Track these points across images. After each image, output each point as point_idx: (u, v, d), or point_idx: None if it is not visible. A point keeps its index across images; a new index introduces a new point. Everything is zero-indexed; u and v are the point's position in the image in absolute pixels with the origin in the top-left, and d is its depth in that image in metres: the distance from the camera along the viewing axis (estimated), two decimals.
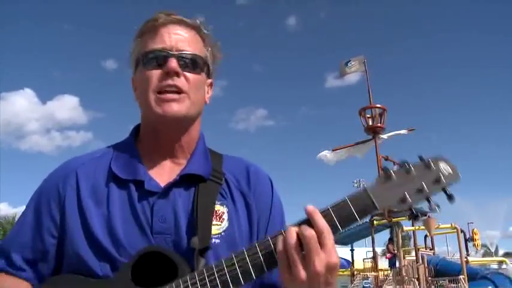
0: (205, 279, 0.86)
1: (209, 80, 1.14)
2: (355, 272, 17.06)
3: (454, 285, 14.46)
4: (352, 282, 15.58)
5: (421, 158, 0.92)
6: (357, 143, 16.10)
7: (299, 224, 0.86)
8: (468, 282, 14.91)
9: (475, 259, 22.37)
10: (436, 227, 14.95)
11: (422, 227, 14.72)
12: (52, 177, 1.06)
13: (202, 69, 1.08)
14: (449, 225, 17.29)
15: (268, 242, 0.87)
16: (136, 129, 1.14)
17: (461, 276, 14.53)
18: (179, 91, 1.02)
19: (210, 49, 1.13)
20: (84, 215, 0.97)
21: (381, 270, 16.29)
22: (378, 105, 15.61)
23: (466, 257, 17.74)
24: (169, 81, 1.01)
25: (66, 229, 0.98)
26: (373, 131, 15.23)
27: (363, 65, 16.43)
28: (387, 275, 15.30)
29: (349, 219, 0.87)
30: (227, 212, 1.01)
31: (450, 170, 0.90)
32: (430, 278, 14.69)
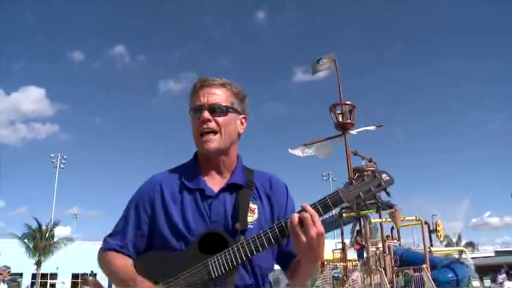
0: (244, 246, 1.38)
1: (241, 115, 1.62)
2: (325, 262, 17.62)
3: (418, 274, 15.31)
4: (322, 272, 16.10)
5: (372, 172, 1.45)
6: (327, 139, 16.44)
7: (299, 212, 1.35)
8: (431, 270, 15.77)
9: (438, 249, 23.49)
10: (401, 219, 15.61)
11: (389, 220, 15.35)
12: (143, 189, 1.60)
13: (228, 111, 1.57)
14: (414, 218, 18.13)
15: (281, 223, 1.38)
16: (196, 154, 1.65)
17: (424, 265, 15.37)
18: (212, 131, 1.53)
19: (236, 95, 1.60)
20: (167, 210, 1.51)
21: (350, 260, 16.83)
22: (348, 102, 16.04)
23: (429, 248, 18.63)
24: (204, 126, 1.52)
25: (155, 220, 1.50)
26: (343, 127, 15.63)
27: (333, 62, 16.85)
28: (355, 265, 15.87)
29: (328, 208, 1.38)
30: (257, 208, 1.54)
31: (388, 178, 1.43)
32: (395, 268, 15.42)
